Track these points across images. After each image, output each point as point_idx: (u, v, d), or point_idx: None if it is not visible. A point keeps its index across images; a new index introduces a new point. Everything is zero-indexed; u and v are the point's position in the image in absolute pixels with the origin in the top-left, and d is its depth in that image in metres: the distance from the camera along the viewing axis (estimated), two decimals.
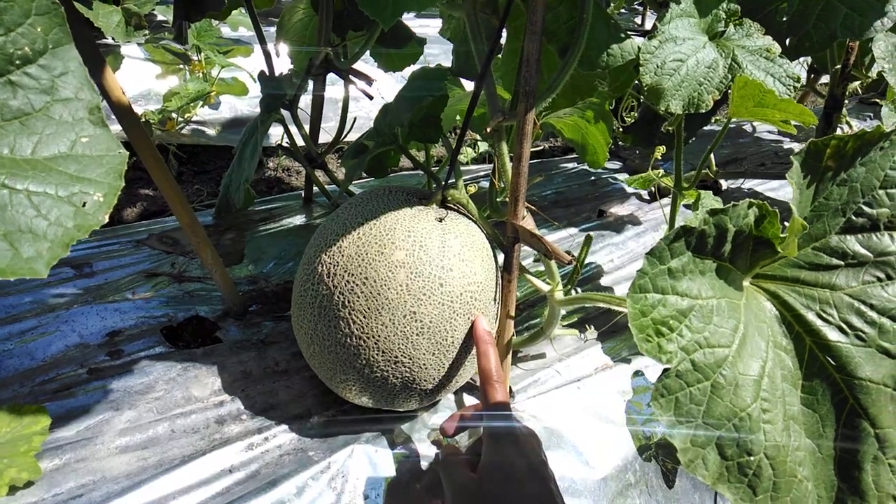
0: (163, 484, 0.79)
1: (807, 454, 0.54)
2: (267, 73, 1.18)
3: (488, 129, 0.78)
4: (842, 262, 0.60)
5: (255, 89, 1.85)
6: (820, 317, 0.59)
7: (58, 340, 0.97)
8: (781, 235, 0.56)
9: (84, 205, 0.50)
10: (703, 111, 0.87)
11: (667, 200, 1.45)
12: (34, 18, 0.51)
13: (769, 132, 2.21)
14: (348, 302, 0.81)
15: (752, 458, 0.47)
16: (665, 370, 0.49)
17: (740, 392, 0.50)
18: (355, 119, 1.31)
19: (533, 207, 0.86)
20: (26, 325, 0.98)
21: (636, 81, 0.94)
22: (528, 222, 0.85)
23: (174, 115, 1.73)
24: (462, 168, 1.76)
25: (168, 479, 0.80)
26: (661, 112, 1.14)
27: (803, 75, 1.96)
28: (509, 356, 0.95)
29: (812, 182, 0.59)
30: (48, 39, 0.52)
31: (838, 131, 1.51)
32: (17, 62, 0.50)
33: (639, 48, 0.83)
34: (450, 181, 0.91)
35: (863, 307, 0.58)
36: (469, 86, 1.33)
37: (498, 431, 0.70)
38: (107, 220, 0.50)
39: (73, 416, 0.86)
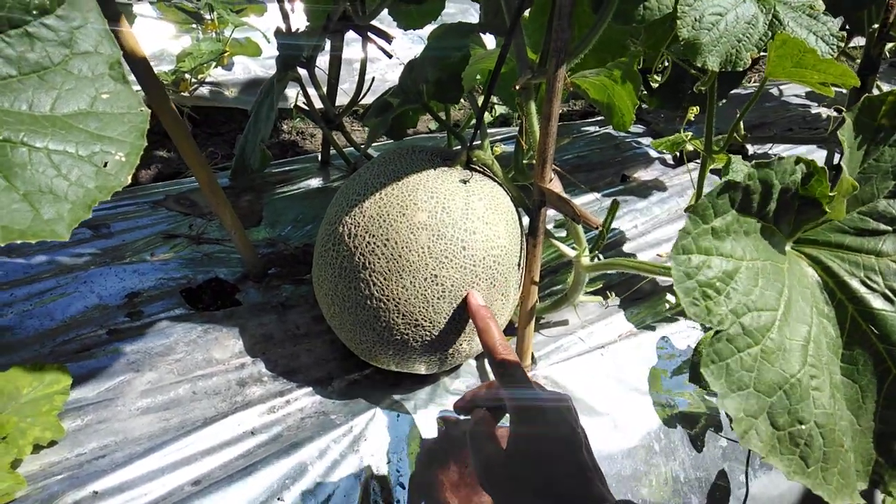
0: (185, 445, 0.79)
1: (847, 424, 0.52)
2: (283, 30, 1.15)
3: (517, 86, 0.75)
4: (889, 228, 0.58)
5: (269, 50, 1.81)
6: (864, 284, 0.57)
7: (77, 301, 0.96)
8: (830, 195, 0.53)
9: (105, 165, 0.48)
10: (741, 69, 0.83)
11: (693, 165, 1.41)
12: None
13: (796, 96, 2.14)
14: (369, 263, 0.79)
15: (803, 427, 0.46)
16: (715, 334, 0.47)
17: (789, 357, 0.48)
18: (373, 79, 1.27)
19: (560, 170, 0.83)
20: (45, 285, 0.98)
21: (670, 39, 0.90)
22: (555, 185, 0.82)
23: (187, 75, 1.69)
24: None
25: (190, 440, 0.79)
26: (693, 73, 1.10)
27: None
28: (532, 323, 0.93)
29: (864, 142, 0.56)
30: None
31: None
32: (35, 12, 0.48)
33: (676, 1, 0.79)
34: (475, 142, 0.88)
35: None
36: (490, 44, 1.29)
37: (522, 404, 0.68)
38: (129, 181, 0.48)
39: (94, 376, 0.85)
